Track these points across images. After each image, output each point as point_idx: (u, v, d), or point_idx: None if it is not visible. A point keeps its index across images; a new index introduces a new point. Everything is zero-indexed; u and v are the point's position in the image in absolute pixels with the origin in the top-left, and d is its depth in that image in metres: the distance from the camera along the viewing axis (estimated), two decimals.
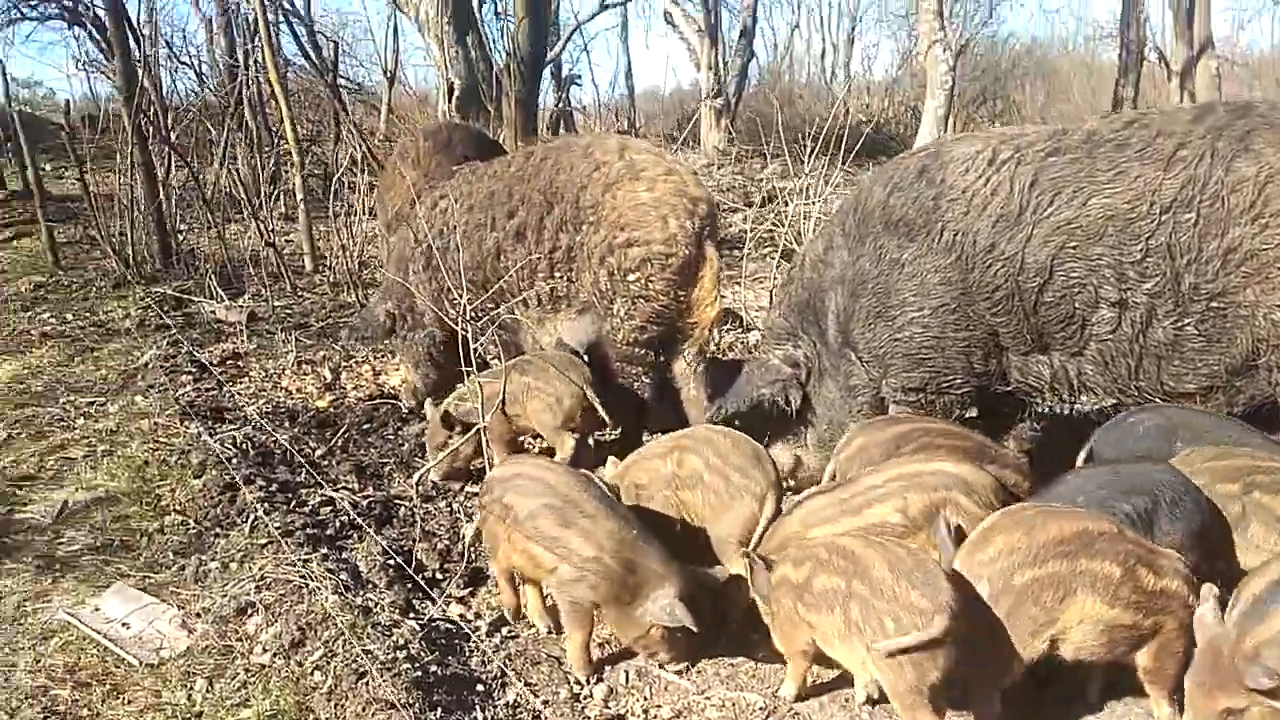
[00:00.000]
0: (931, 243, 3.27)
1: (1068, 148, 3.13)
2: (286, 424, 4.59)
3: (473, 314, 3.79)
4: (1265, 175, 2.85)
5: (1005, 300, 3.18)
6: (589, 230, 3.85)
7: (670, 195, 3.78)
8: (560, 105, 20.52)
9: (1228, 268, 2.90)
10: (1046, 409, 3.39)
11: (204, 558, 3.29)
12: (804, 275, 3.68)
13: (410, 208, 4.59)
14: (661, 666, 2.80)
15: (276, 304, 6.53)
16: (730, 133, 16.57)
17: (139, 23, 8.25)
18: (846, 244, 3.50)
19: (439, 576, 3.27)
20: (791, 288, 3.75)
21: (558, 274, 4.00)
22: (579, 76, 22.88)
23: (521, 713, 2.67)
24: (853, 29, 25.76)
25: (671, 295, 3.80)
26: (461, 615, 3.07)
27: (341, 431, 4.48)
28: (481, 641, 2.98)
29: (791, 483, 3.69)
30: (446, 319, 4.01)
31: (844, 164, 6.41)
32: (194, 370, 5.31)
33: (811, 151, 6.23)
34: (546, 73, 20.40)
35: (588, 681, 2.77)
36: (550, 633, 2.95)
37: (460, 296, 3.60)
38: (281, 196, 9.01)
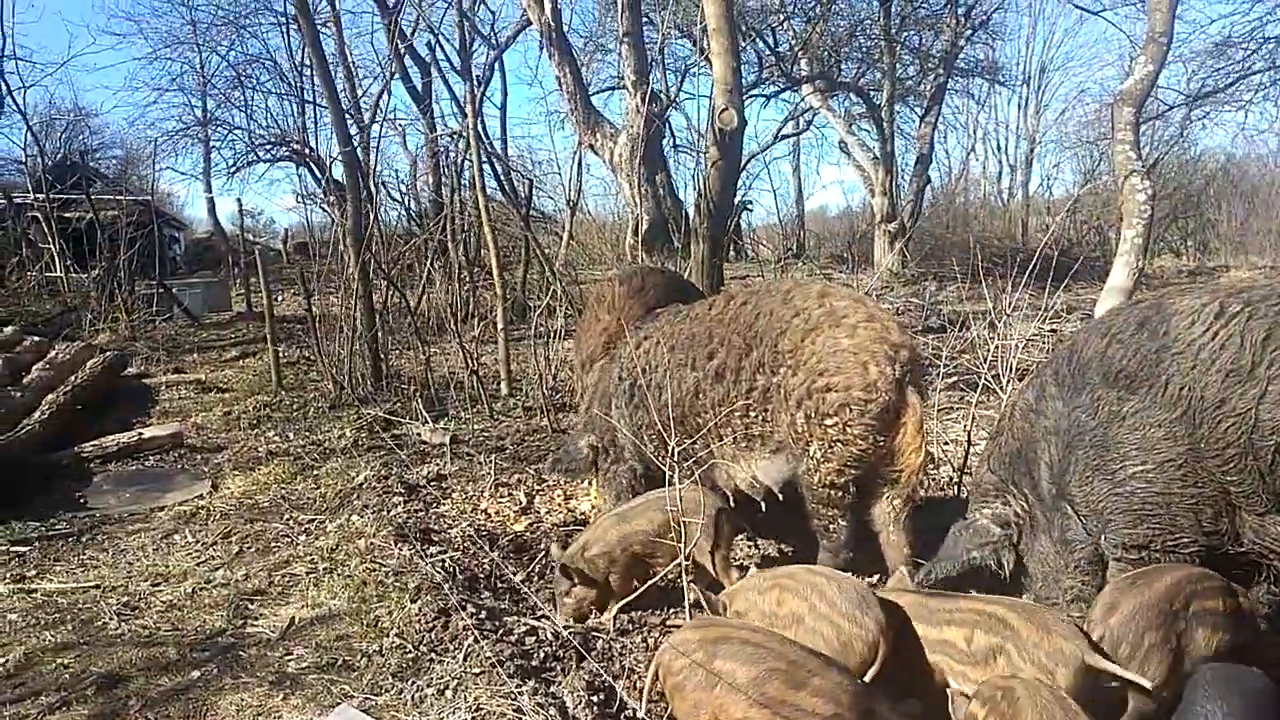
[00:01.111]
0: (1156, 396, 3.16)
1: None
2: (488, 547, 4.80)
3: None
4: None
5: (1238, 458, 3.02)
6: (787, 373, 3.94)
7: (871, 341, 3.83)
8: (730, 229, 21.25)
9: None
10: None
11: (421, 682, 3.46)
12: (1014, 425, 3.61)
13: (604, 351, 4.82)
14: None
15: (476, 427, 6.91)
16: (905, 255, 16.52)
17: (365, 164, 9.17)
18: (1061, 394, 3.43)
19: (641, 717, 3.30)
20: (1001, 439, 3.67)
21: (753, 414, 4.09)
22: (750, 202, 23.66)
23: None
24: (1031, 150, 25.41)
25: (870, 441, 3.81)
26: None
27: (539, 558, 4.65)
28: None
29: None
30: (648, 455, 4.15)
31: (1027, 286, 6.25)
32: (404, 491, 5.66)
33: (1008, 275, 6.12)
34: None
35: None
36: None
37: (669, 435, 3.72)
38: (475, 322, 9.61)
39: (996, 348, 5.92)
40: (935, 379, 6.32)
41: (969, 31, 17.23)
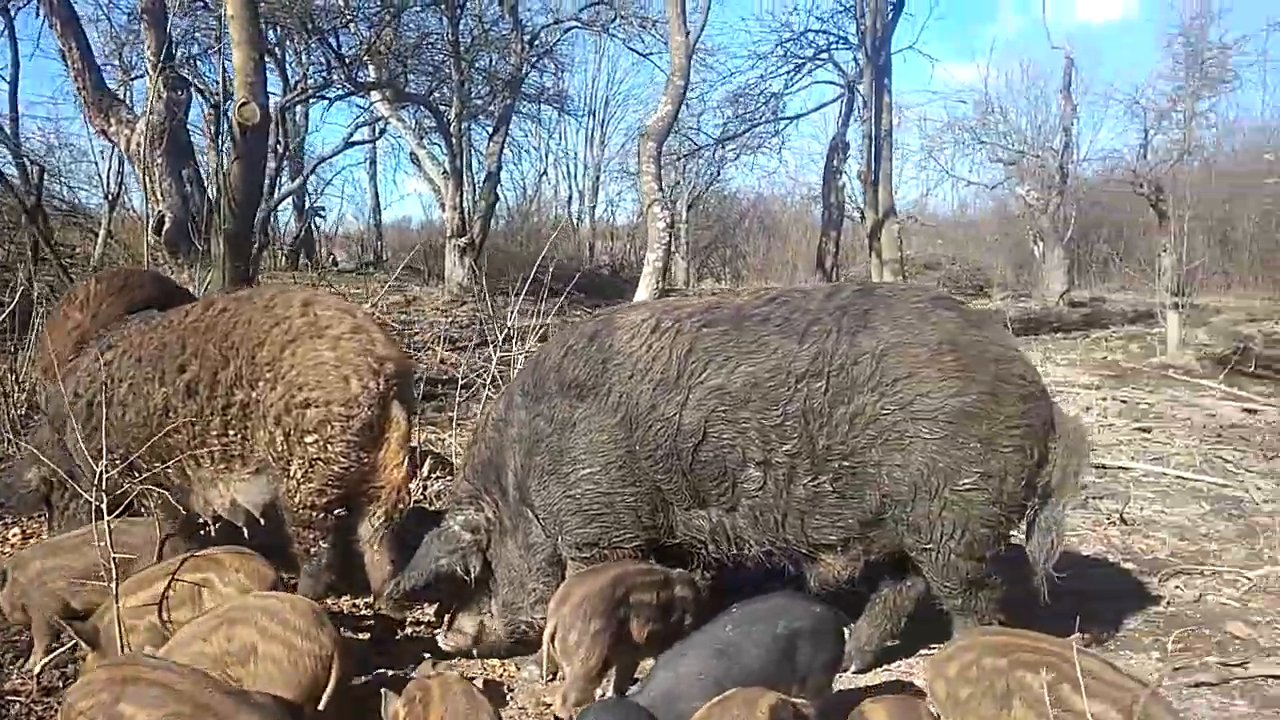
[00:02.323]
0: (601, 403, 3.42)
1: (720, 320, 3.42)
2: None
3: (135, 477, 3.50)
4: (881, 349, 3.23)
5: (666, 459, 3.36)
6: (265, 388, 3.70)
7: (354, 354, 3.71)
8: (300, 235, 20.13)
9: (854, 431, 3.22)
10: (713, 559, 3.55)
11: None
12: (486, 434, 3.71)
13: (75, 356, 4.22)
14: None
15: None
16: (475, 270, 16.80)
17: None
18: (525, 403, 3.59)
19: None
20: (476, 448, 3.76)
21: (232, 433, 3.79)
22: (322, 208, 22.65)
23: None
24: (597, 178, 27.21)
25: (352, 458, 3.69)
26: None
27: None
28: None
29: (475, 652, 3.61)
30: (82, 487, 3.62)
31: (568, 305, 6.58)
32: None
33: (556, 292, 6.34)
34: (289, 204, 20.08)
35: None
36: None
37: (127, 458, 3.29)
38: None
39: (523, 357, 6.16)
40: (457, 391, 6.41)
41: (534, 58, 18.01)
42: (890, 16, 14.77)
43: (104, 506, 3.11)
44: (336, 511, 3.77)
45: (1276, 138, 20.49)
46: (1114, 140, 25.56)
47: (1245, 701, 3.36)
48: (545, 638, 3.09)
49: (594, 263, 22.20)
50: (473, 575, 3.57)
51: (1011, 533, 3.43)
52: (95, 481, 3.25)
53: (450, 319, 13.58)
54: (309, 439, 3.65)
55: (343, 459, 3.68)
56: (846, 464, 3.25)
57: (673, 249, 24.46)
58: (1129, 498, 5.67)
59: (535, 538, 3.57)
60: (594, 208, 27.98)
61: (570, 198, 28.36)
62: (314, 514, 3.73)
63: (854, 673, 3.57)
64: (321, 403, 3.65)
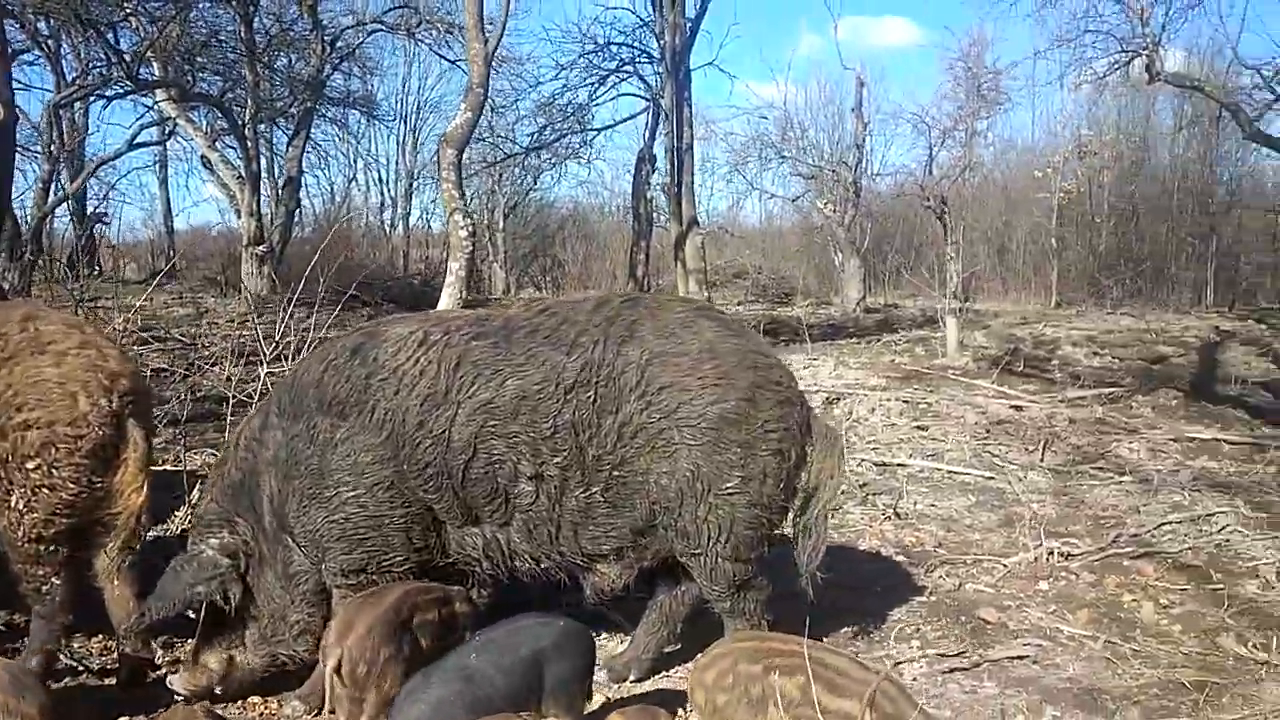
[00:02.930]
0: (365, 421, 3.28)
1: (489, 332, 3.35)
2: None
3: None
4: (646, 358, 3.25)
5: (436, 477, 3.26)
6: None
7: (83, 370, 3.40)
8: (81, 243, 18.55)
9: (623, 440, 3.23)
10: (488, 577, 3.48)
11: None
12: (238, 455, 3.47)
13: None
14: None
15: None
16: (274, 280, 16.00)
17: None
18: (281, 422, 3.39)
19: None
20: (226, 468, 3.51)
21: None
22: (106, 214, 20.99)
23: None
24: (410, 184, 26.59)
25: (83, 483, 3.37)
26: None
27: None
28: None
29: (219, 689, 3.37)
30: None
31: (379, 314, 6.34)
32: None
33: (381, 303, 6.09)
34: (64, 208, 18.48)
35: None
36: None
37: None
38: None
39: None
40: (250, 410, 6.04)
41: (337, 60, 17.39)
42: (689, 33, 15.20)
43: None
44: (67, 544, 3.43)
45: (1042, 158, 22.48)
46: (903, 156, 27.34)
47: (993, 683, 3.59)
48: (328, 671, 2.93)
49: (407, 271, 21.66)
50: (233, 604, 3.32)
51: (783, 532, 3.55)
52: None
53: (243, 333, 12.89)
54: (30, 464, 3.31)
55: (71, 484, 3.34)
56: (617, 473, 3.26)
57: (492, 257, 24.31)
58: (903, 493, 6.00)
59: (297, 566, 3.37)
60: (407, 215, 27.35)
61: (382, 205, 27.60)
62: (42, 548, 3.37)
63: (633, 681, 3.57)
64: (44, 423, 3.31)
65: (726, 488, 3.23)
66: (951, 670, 3.67)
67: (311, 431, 3.30)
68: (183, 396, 6.26)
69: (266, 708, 3.42)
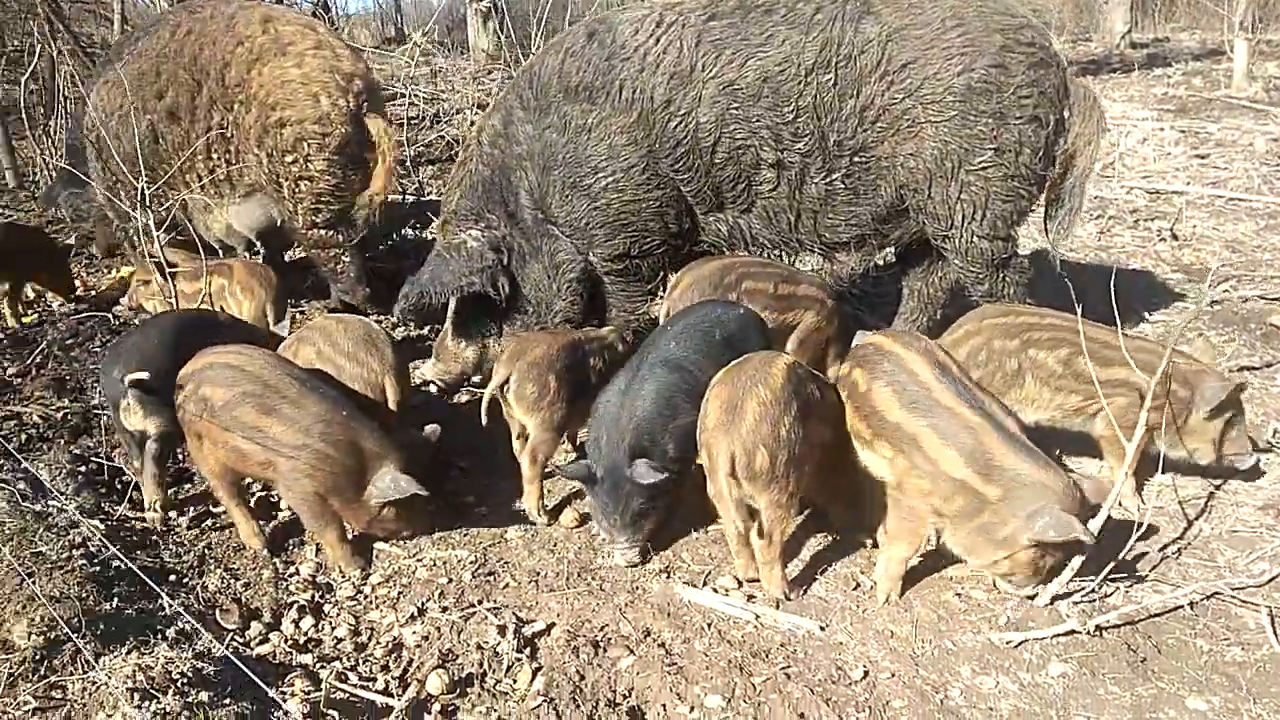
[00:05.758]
0: (614, 102, 3.27)
1: (725, 12, 3.22)
2: None
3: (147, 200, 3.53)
4: (886, 35, 3.05)
5: (686, 156, 3.25)
6: (241, 110, 3.68)
7: (320, 71, 3.65)
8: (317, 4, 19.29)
9: (864, 124, 3.12)
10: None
11: None
12: (483, 152, 3.51)
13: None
14: (393, 541, 2.80)
15: None
16: (499, 36, 16.05)
17: None
18: (529, 116, 3.40)
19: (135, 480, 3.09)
20: (470, 165, 3.55)
21: (216, 156, 3.81)
22: None
23: (221, 596, 2.60)
24: None
25: (338, 175, 3.69)
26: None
27: (40, 348, 4.10)
28: (182, 534, 2.87)
29: (477, 377, 3.57)
30: (117, 209, 3.75)
31: None
32: None
33: None
34: None
35: (359, 578, 2.69)
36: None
37: (137, 182, 3.33)
38: None
39: None
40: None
41: None
42: None
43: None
44: (341, 228, 3.80)
45: None
46: None
47: None
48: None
49: None
50: (503, 295, 3.51)
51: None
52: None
53: (478, 87, 13.19)
54: (289, 159, 3.67)
55: (327, 176, 3.70)
56: (858, 159, 3.17)
57: None
58: (1180, 216, 5.49)
59: (563, 255, 3.49)
60: None
61: None
62: (319, 233, 3.78)
63: None
64: (295, 121, 3.65)
65: (978, 162, 3.06)
66: (1242, 369, 3.46)
67: (563, 120, 3.33)
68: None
69: None
